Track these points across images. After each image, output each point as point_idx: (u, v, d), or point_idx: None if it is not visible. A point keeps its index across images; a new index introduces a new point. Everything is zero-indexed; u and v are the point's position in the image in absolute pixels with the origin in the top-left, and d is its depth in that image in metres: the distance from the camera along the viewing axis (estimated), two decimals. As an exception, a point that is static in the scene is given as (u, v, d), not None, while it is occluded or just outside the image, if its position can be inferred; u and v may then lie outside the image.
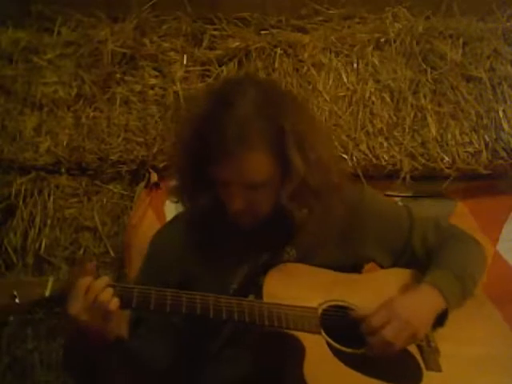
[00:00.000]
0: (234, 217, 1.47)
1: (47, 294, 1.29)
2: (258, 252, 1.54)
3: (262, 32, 2.30)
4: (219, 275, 1.52)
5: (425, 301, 1.43)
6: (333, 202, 1.50)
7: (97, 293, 1.29)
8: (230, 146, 1.37)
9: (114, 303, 1.30)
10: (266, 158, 1.41)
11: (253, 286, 1.49)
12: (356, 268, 1.60)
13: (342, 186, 1.53)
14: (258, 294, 1.42)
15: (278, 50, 2.23)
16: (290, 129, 1.40)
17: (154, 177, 2.20)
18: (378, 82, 2.21)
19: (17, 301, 1.27)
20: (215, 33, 2.31)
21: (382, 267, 1.62)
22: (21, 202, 2.22)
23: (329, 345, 1.37)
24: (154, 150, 2.20)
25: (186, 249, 1.57)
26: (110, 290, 1.31)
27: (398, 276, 1.55)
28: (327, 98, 2.18)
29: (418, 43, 2.22)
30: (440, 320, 1.46)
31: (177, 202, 1.61)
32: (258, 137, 1.39)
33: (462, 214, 2.11)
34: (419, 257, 1.59)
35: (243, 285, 1.51)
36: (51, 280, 1.31)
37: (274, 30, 2.30)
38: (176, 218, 1.75)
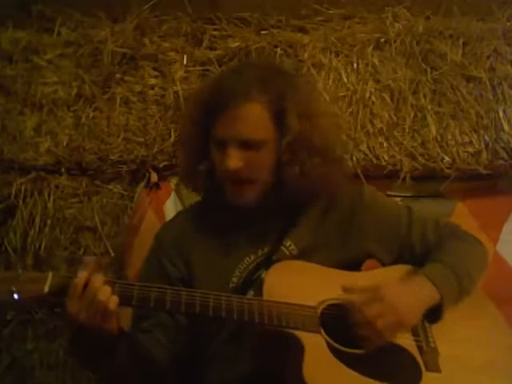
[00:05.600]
0: (231, 188, 1.49)
1: (46, 289, 1.28)
2: (257, 245, 1.55)
3: (262, 32, 2.29)
4: (219, 269, 1.53)
5: (416, 291, 1.42)
6: (330, 169, 1.54)
7: (95, 291, 1.28)
8: (228, 97, 1.42)
9: (113, 301, 1.29)
10: (264, 112, 1.43)
11: (252, 281, 1.50)
12: (356, 264, 1.60)
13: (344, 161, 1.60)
14: (258, 290, 1.43)
15: (278, 50, 2.23)
16: (290, 97, 1.46)
17: (154, 177, 2.20)
18: (378, 82, 2.20)
19: (15, 297, 1.26)
20: (215, 33, 2.31)
21: (382, 264, 1.62)
22: (21, 202, 2.22)
23: (328, 344, 1.36)
24: (154, 150, 2.20)
25: (189, 242, 1.59)
26: (108, 289, 1.30)
27: (399, 273, 1.54)
28: (327, 98, 2.17)
29: (418, 43, 2.22)
30: (436, 316, 1.46)
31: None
32: (258, 91, 1.43)
33: (461, 214, 2.10)
34: (418, 254, 1.59)
35: (243, 279, 1.52)
36: (50, 275, 1.30)
37: (274, 30, 2.29)
38: (179, 213, 1.78)
